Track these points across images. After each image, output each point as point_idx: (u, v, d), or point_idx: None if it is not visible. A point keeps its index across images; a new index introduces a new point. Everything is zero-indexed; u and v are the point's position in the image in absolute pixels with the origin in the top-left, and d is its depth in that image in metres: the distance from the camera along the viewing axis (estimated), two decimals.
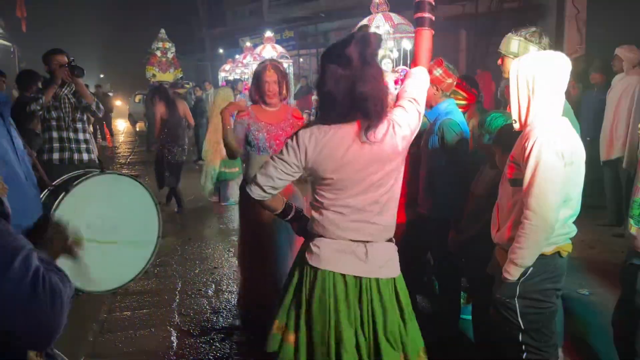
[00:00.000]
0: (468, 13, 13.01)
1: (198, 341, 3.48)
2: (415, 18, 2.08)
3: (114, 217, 2.12)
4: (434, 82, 3.15)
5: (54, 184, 2.17)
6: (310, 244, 1.99)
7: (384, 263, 1.97)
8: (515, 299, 2.19)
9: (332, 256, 1.93)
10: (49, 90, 4.18)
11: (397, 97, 2.03)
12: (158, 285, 4.48)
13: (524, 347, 2.25)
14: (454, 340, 3.28)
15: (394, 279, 1.99)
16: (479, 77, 8.08)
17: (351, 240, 1.93)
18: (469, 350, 3.25)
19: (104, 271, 2.05)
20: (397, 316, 1.96)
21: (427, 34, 2.10)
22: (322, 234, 1.95)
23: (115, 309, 3.99)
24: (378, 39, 1.87)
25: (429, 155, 3.19)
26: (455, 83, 3.22)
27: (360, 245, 1.93)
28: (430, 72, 3.16)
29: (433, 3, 2.08)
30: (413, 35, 5.45)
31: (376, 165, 1.87)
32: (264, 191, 1.97)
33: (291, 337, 2.00)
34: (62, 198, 1.96)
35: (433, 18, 2.08)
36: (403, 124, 1.90)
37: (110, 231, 2.10)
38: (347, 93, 1.80)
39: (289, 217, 2.14)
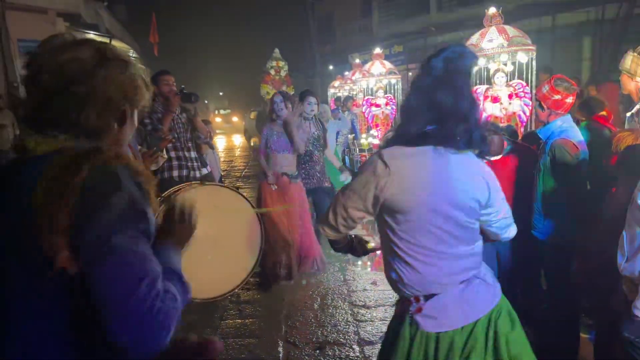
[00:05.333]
0: (592, 19, 12.11)
1: (303, 353, 3.56)
2: None
3: (215, 228, 2.20)
4: (541, 99, 3.04)
5: (162, 195, 2.33)
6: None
7: None
8: None
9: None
10: (166, 119, 4.41)
11: None
12: (267, 296, 4.66)
13: None
14: None
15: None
16: (602, 89, 7.43)
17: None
18: None
19: (205, 280, 2.14)
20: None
21: None
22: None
23: (228, 317, 4.22)
24: (472, 57, 1.71)
25: (540, 177, 3.00)
26: (569, 100, 2.99)
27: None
28: (539, 89, 3.08)
29: None
30: (529, 47, 5.22)
31: None
32: None
33: None
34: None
35: None
36: None
37: (212, 241, 2.19)
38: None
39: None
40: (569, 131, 2.93)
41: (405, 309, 1.74)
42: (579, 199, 2.87)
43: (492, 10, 5.46)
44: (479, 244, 1.77)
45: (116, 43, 13.24)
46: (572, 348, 3.08)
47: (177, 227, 1.31)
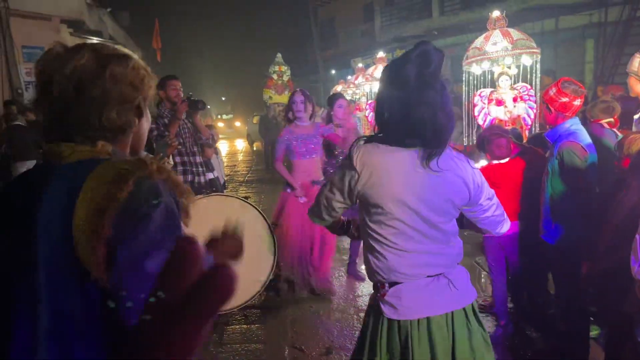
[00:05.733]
0: (595, 22, 12.11)
1: (309, 358, 3.54)
2: None
3: None
4: (548, 101, 3.03)
5: None
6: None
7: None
8: None
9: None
10: (173, 127, 4.39)
11: None
12: (273, 301, 4.64)
13: None
14: None
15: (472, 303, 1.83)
16: (606, 92, 7.40)
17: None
18: None
19: None
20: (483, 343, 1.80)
21: None
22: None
23: (234, 322, 4.20)
24: (439, 56, 1.69)
25: (549, 181, 2.99)
26: (576, 102, 2.97)
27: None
28: (547, 92, 3.07)
29: None
30: (534, 50, 5.22)
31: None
32: None
33: None
34: None
35: None
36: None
37: None
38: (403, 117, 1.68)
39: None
40: (576, 134, 2.91)
41: (375, 295, 1.84)
42: (588, 203, 2.86)
43: (495, 13, 5.47)
44: (453, 245, 1.79)
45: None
46: (581, 352, 3.05)
47: (226, 245, 1.33)
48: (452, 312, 1.73)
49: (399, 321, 1.74)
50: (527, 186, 3.47)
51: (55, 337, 1.04)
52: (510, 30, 5.36)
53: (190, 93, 4.62)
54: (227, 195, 2.56)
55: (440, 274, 1.75)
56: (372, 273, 1.82)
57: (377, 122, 1.79)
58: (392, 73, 1.73)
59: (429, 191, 1.69)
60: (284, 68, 16.24)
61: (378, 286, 1.80)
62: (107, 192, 1.01)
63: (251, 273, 2.28)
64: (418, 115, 1.65)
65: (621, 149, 2.61)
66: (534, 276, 3.64)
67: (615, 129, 3.48)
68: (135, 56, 1.20)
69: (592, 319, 3.26)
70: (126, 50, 1.20)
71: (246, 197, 2.36)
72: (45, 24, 10.65)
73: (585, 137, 2.92)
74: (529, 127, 5.42)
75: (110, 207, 1.00)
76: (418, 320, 1.72)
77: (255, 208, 2.33)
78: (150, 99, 1.24)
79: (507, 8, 5.70)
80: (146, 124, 1.25)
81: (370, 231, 1.77)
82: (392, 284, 1.76)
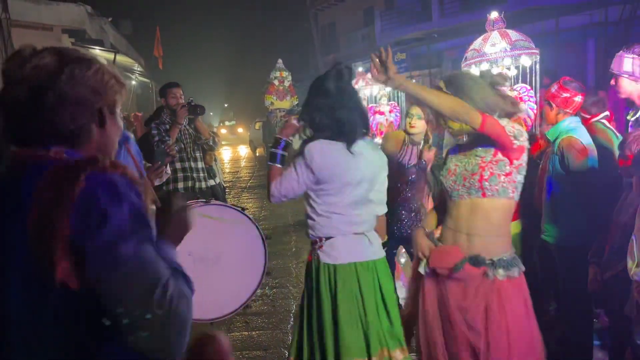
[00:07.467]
0: (596, 22, 12.09)
1: None
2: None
3: (217, 246, 2.14)
4: (549, 98, 3.05)
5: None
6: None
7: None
8: None
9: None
10: (174, 131, 4.42)
11: None
12: (273, 307, 4.62)
13: None
14: None
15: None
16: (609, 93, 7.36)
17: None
18: None
19: (203, 300, 2.07)
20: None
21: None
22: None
23: (235, 329, 4.18)
24: (348, 71, 2.35)
25: (549, 178, 2.97)
26: (577, 99, 2.99)
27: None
28: (549, 90, 3.07)
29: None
30: (533, 51, 5.19)
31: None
32: None
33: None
34: None
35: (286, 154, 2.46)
36: None
37: (213, 260, 2.13)
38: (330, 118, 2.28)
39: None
40: (576, 130, 2.92)
41: (313, 249, 2.39)
42: (591, 201, 2.83)
43: (494, 14, 5.44)
44: (372, 212, 2.45)
45: (121, 58, 13.31)
46: (584, 356, 3.01)
47: (173, 224, 1.28)
48: (375, 261, 2.36)
49: (335, 265, 2.31)
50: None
51: (20, 348, 1.02)
52: (509, 31, 5.32)
53: (190, 98, 4.63)
54: (221, 205, 2.55)
55: (362, 232, 2.37)
56: (314, 230, 2.36)
57: (310, 125, 2.35)
58: (318, 87, 2.33)
59: (362, 168, 2.30)
60: (285, 74, 16.25)
61: (316, 241, 2.37)
62: (59, 189, 0.98)
63: (241, 282, 2.28)
64: (338, 116, 2.26)
65: (625, 147, 2.57)
66: (535, 278, 3.60)
67: (612, 126, 3.44)
68: (104, 62, 1.17)
69: (595, 320, 3.22)
70: (94, 56, 1.18)
71: (243, 209, 2.35)
72: (46, 34, 10.70)
73: (585, 136, 2.92)
74: (530, 128, 5.38)
75: (63, 204, 0.97)
76: (348, 264, 2.30)
77: (250, 219, 2.32)
78: (119, 105, 1.20)
79: (507, 9, 5.68)
80: (114, 132, 1.21)
81: (319, 201, 2.32)
82: (328, 238, 2.34)
